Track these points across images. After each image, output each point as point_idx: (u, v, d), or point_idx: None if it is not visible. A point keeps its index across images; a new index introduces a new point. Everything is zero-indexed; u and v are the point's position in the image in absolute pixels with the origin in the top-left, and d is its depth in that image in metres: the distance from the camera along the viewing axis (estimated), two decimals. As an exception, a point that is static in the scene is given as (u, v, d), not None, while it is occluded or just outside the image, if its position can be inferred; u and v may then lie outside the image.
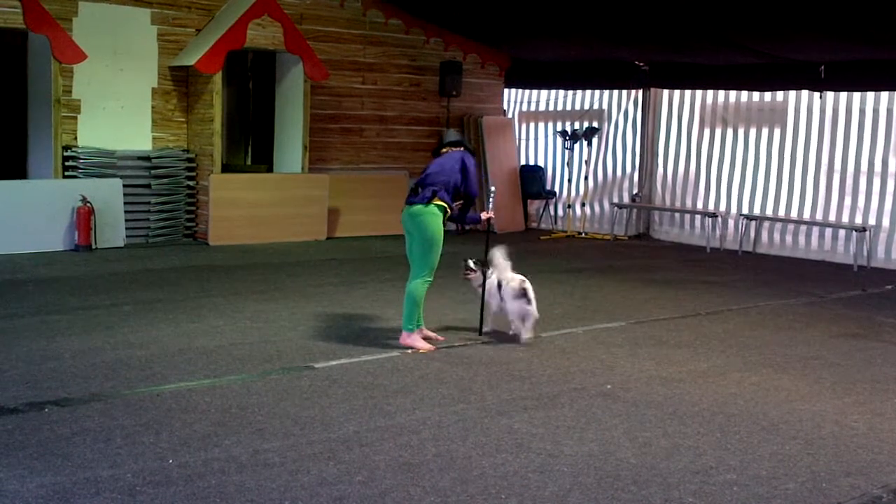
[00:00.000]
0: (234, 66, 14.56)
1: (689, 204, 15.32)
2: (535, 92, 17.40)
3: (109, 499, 4.41)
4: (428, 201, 7.43)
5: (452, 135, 8.35)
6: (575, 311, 9.39)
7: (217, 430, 5.40)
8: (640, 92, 15.78)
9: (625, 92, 16.04)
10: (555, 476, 4.89)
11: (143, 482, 4.60)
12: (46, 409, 5.68)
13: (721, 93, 14.89)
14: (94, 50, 12.26)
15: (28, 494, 4.41)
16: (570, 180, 16.16)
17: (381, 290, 10.00)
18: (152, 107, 13.20)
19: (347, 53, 14.94)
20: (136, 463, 4.85)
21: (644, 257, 13.64)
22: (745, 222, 14.25)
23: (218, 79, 13.10)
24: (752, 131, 14.54)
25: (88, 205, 11.99)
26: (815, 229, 13.79)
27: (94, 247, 12.08)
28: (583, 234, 15.73)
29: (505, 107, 17.36)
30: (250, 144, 15.57)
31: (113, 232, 12.44)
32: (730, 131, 14.80)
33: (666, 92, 15.62)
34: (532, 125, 17.50)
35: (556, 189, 16.85)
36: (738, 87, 14.57)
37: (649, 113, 15.77)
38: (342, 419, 5.70)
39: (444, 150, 7.93)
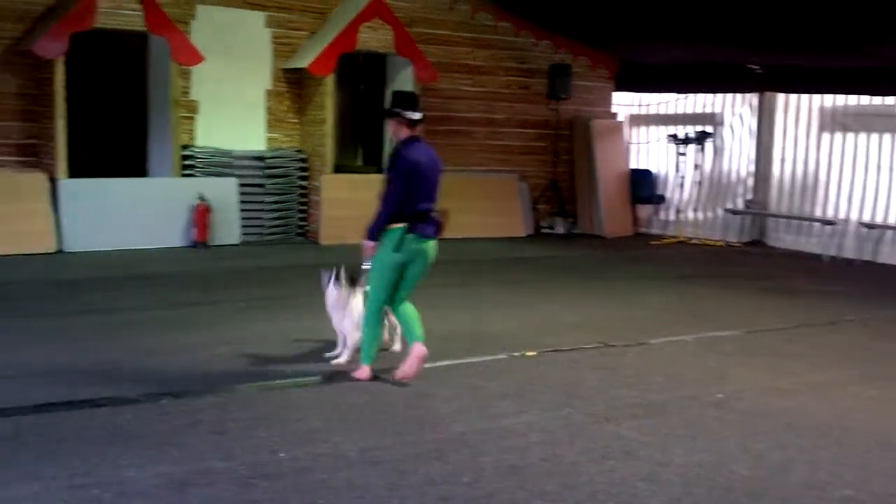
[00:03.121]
0: (345, 69, 14.76)
1: (805, 211, 14.87)
2: (645, 95, 17.15)
3: (223, 490, 4.51)
4: (437, 235, 6.64)
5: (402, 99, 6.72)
6: (685, 318, 9.21)
7: (326, 427, 5.48)
8: (755, 95, 15.40)
9: (739, 96, 15.68)
10: (664, 486, 4.80)
11: (256, 474, 4.69)
12: (163, 401, 5.85)
13: (840, 97, 14.41)
14: (210, 52, 12.58)
15: (145, 483, 4.55)
16: (681, 185, 15.88)
17: (490, 292, 10.01)
18: (267, 108, 13.50)
19: (456, 56, 15.00)
20: (248, 455, 4.96)
21: (758, 265, 13.30)
22: (864, 231, 13.75)
23: (330, 81, 13.31)
24: (873, 137, 14.01)
25: (206, 203, 12.33)
26: (940, 239, 13.24)
27: (210, 244, 12.41)
28: (693, 240, 15.44)
29: (615, 110, 17.17)
30: (361, 146, 15.75)
31: (228, 230, 12.76)
32: (850, 137, 14.31)
33: (781, 96, 15.19)
34: (642, 129, 17.26)
35: (667, 194, 16.57)
36: (858, 92, 14.07)
37: (764, 117, 15.37)
38: (448, 420, 5.72)
39: (417, 129, 6.64)
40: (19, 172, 11.82)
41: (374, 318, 6.52)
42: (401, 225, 6.35)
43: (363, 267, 6.57)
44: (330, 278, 6.83)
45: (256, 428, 5.40)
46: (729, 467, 5.10)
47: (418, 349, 6.41)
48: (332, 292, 6.81)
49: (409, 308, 6.56)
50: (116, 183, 12.20)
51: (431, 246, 6.52)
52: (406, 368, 6.41)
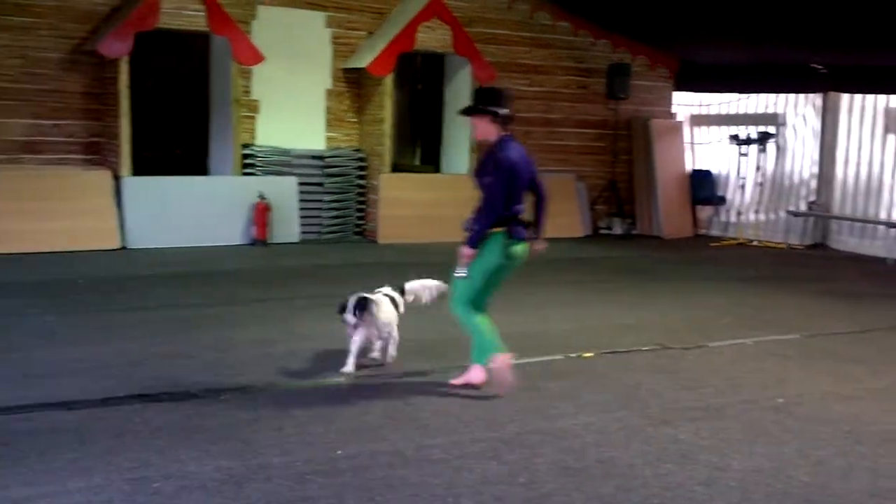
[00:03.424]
0: (404, 68, 14.83)
1: (869, 213, 14.58)
2: (705, 95, 16.95)
3: (280, 485, 4.57)
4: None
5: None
6: (745, 321, 9.09)
7: (384, 424, 5.52)
8: (819, 96, 15.13)
9: (802, 96, 15.41)
10: (721, 490, 4.76)
11: (313, 471, 4.75)
12: (223, 396, 5.95)
13: (907, 97, 14.11)
14: (271, 52, 12.71)
15: (205, 477, 4.63)
16: (742, 186, 15.68)
17: (547, 292, 9.98)
18: (326, 107, 13.62)
19: (515, 56, 14.99)
20: (306, 452, 5.02)
21: (820, 267, 13.09)
22: (930, 234, 13.46)
23: (389, 81, 13.38)
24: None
25: (265, 201, 12.48)
26: None
27: (269, 242, 12.55)
28: (754, 242, 15.23)
29: (674, 110, 17.00)
30: (419, 145, 15.82)
31: (287, 228, 12.90)
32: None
33: (846, 96, 14.90)
34: (703, 129, 17.06)
35: (728, 195, 16.36)
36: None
37: (828, 117, 15.10)
38: (505, 420, 5.73)
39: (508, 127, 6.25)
40: (84, 170, 12.07)
41: (469, 313, 6.25)
42: (500, 230, 6.12)
43: (458, 274, 6.20)
44: (344, 308, 6.55)
45: (314, 424, 5.46)
46: (788, 473, 5.03)
47: (476, 375, 6.33)
48: (350, 321, 6.55)
49: (487, 322, 6.35)
50: (179, 181, 12.40)
51: (525, 249, 6.34)
52: (456, 382, 6.37)
